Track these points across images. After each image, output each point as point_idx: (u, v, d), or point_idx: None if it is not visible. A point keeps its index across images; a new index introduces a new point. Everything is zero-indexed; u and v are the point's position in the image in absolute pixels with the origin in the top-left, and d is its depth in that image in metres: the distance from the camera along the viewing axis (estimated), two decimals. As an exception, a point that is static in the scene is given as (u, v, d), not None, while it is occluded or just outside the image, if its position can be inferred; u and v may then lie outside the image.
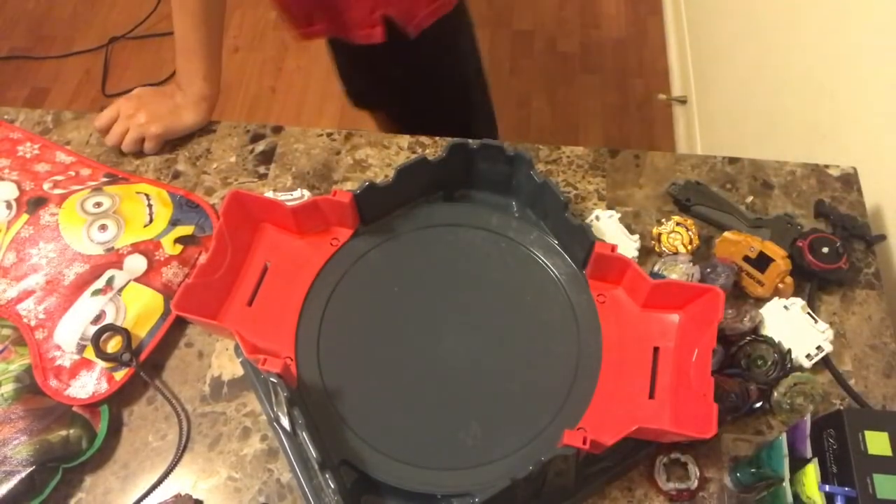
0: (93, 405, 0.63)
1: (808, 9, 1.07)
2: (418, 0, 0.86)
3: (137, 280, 0.68)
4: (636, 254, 0.70)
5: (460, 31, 0.96)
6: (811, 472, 0.50)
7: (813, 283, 0.69)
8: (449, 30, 0.92)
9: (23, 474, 0.58)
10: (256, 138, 0.83)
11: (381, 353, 0.60)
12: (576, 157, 0.80)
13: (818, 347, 0.64)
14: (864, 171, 0.78)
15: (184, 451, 0.63)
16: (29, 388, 0.62)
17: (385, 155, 0.82)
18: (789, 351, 0.64)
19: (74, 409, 0.62)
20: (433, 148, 0.82)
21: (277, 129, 0.84)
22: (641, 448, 0.59)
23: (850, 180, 0.78)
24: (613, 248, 0.58)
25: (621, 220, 0.72)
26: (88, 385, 0.63)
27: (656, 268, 0.68)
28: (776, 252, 0.66)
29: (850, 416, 0.52)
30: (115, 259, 0.68)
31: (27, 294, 0.66)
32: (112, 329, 0.64)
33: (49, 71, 1.98)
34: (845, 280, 0.70)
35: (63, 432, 0.61)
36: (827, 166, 0.79)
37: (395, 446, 0.55)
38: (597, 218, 0.72)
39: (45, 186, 0.74)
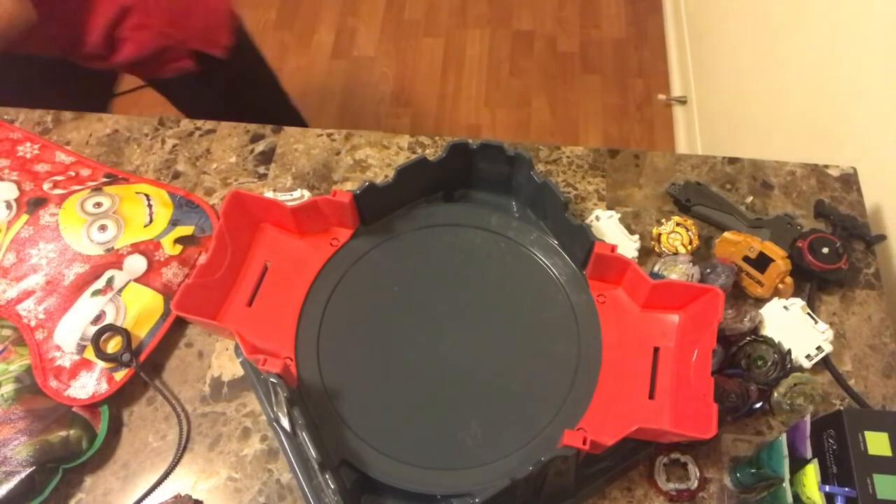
0: (93, 406, 0.63)
1: (808, 8, 1.07)
2: (215, 27, 0.98)
3: (137, 280, 0.68)
4: (636, 254, 0.70)
5: (252, 53, 1.13)
6: (811, 473, 0.50)
7: (813, 283, 0.69)
8: (248, 56, 1.10)
9: (23, 475, 0.58)
10: (256, 138, 0.83)
11: (381, 353, 0.60)
12: (576, 158, 0.80)
13: (818, 348, 0.64)
14: (864, 171, 0.78)
15: (184, 451, 0.63)
16: (29, 389, 0.62)
17: (385, 155, 0.82)
18: (789, 351, 0.64)
19: (74, 409, 0.62)
20: (433, 148, 0.82)
21: (277, 129, 0.84)
22: (641, 448, 0.59)
23: (849, 180, 0.78)
24: (613, 248, 0.58)
25: (621, 220, 0.72)
26: (88, 385, 0.63)
27: (656, 268, 0.68)
28: (776, 252, 0.66)
29: (849, 416, 0.52)
30: (114, 259, 0.68)
31: (27, 294, 0.66)
32: (112, 329, 0.64)
33: (49, 71, 1.97)
34: (845, 280, 0.70)
35: (63, 433, 0.61)
36: (827, 166, 0.79)
37: (395, 446, 0.55)
38: (597, 218, 0.72)
39: (45, 187, 0.74)
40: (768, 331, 0.65)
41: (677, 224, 0.71)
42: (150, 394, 0.66)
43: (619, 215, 0.72)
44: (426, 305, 0.62)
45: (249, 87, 1.14)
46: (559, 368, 0.58)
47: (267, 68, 1.17)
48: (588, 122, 1.83)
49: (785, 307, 0.66)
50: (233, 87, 1.09)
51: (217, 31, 1.00)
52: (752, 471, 0.57)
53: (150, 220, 0.72)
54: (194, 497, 0.61)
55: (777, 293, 0.68)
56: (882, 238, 0.74)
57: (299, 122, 1.33)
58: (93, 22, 0.89)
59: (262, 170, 0.81)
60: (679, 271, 0.67)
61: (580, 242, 0.61)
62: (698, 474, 0.60)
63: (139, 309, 0.66)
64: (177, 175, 0.80)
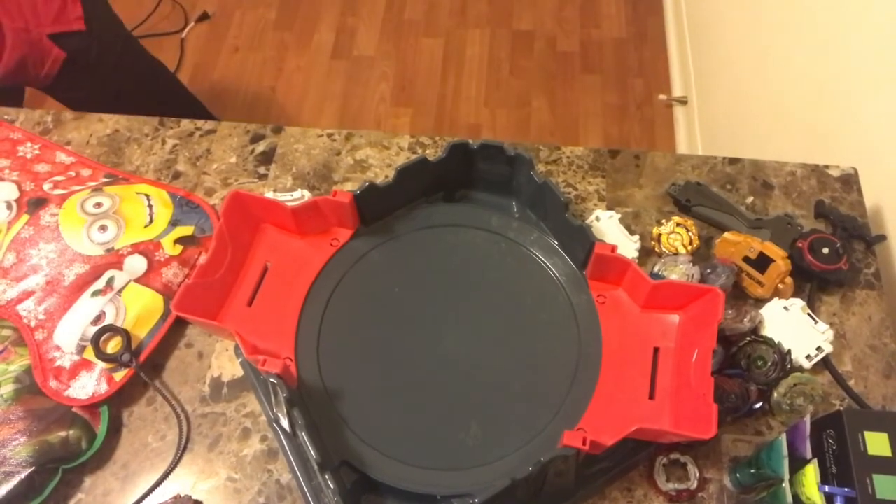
0: (92, 406, 0.63)
1: (808, 9, 1.07)
2: (62, 4, 1.02)
3: (137, 280, 0.68)
4: (636, 254, 0.70)
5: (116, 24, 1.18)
6: (811, 473, 0.50)
7: (813, 283, 0.69)
8: (115, 30, 1.15)
9: (22, 475, 0.58)
10: (256, 138, 0.83)
11: (381, 354, 0.60)
12: (576, 158, 0.80)
13: (818, 348, 0.64)
14: (864, 172, 0.78)
15: (183, 451, 0.63)
16: (29, 389, 0.62)
17: (385, 155, 0.82)
18: (789, 351, 0.64)
19: (74, 409, 0.62)
20: (433, 148, 0.82)
21: (277, 130, 0.84)
22: (641, 449, 0.59)
23: (850, 180, 0.78)
24: (613, 248, 0.58)
25: (621, 220, 0.72)
26: (88, 386, 0.63)
27: (656, 268, 0.68)
28: (776, 252, 0.66)
29: (849, 416, 0.52)
30: (115, 259, 0.68)
31: (27, 295, 0.66)
32: (112, 330, 0.64)
33: (49, 71, 1.97)
34: (845, 280, 0.70)
35: (63, 433, 0.61)
36: (827, 166, 0.79)
37: (395, 446, 0.55)
38: (597, 218, 0.72)
39: (46, 187, 0.74)
40: (768, 331, 0.65)
41: (677, 224, 0.71)
42: (149, 394, 0.66)
43: (619, 215, 0.72)
44: (426, 306, 0.62)
45: (131, 66, 1.20)
46: (559, 368, 0.58)
47: (138, 46, 1.23)
48: (588, 122, 1.83)
49: (785, 307, 0.66)
50: (112, 65, 1.14)
51: (64, 7, 1.03)
52: (752, 471, 0.57)
53: (151, 221, 0.72)
54: (194, 497, 0.61)
55: (777, 293, 0.68)
56: (882, 238, 0.74)
57: (205, 112, 1.43)
58: None
59: (262, 170, 0.81)
60: (679, 271, 0.67)
61: (580, 243, 0.61)
62: (698, 474, 0.60)
63: (139, 309, 0.66)
64: (177, 175, 0.80)
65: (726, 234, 0.70)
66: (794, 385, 0.62)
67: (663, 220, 0.72)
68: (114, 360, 0.63)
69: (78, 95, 1.14)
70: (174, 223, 0.73)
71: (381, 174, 0.80)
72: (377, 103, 1.89)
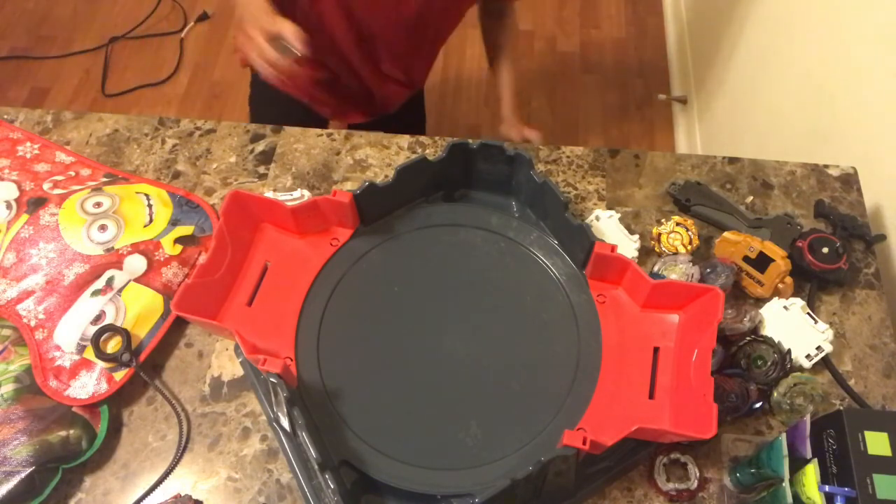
0: (93, 405, 0.63)
1: (808, 9, 1.07)
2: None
3: (137, 280, 0.67)
4: (636, 254, 0.70)
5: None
6: (811, 473, 0.50)
7: (813, 283, 0.69)
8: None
9: (23, 475, 0.58)
10: (256, 138, 0.83)
11: (381, 353, 0.60)
12: (576, 157, 0.80)
13: (818, 348, 0.64)
14: (864, 171, 0.78)
15: (184, 451, 0.63)
16: (29, 389, 0.62)
17: (385, 155, 0.82)
18: (789, 351, 0.64)
19: (74, 409, 0.62)
20: (433, 148, 0.82)
21: (277, 129, 0.84)
22: (641, 448, 0.59)
23: (849, 180, 0.78)
24: (613, 248, 0.58)
25: (621, 220, 0.72)
26: (88, 385, 0.63)
27: (656, 268, 0.68)
28: (776, 252, 0.66)
29: (849, 416, 0.52)
30: (114, 259, 0.68)
31: (27, 294, 0.66)
32: (112, 329, 0.64)
33: (49, 71, 1.97)
34: (845, 280, 0.70)
35: (63, 433, 0.61)
36: (827, 166, 0.79)
37: (395, 446, 0.55)
38: (597, 218, 0.72)
39: (45, 186, 0.74)
40: (768, 331, 0.65)
41: (677, 224, 0.71)
42: (149, 394, 0.66)
43: (619, 215, 0.72)
44: (426, 305, 0.62)
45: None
46: (559, 368, 0.58)
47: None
48: (588, 122, 1.83)
49: (785, 307, 0.66)
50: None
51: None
52: (752, 471, 0.57)
53: (150, 220, 0.72)
54: (194, 497, 0.61)
55: (777, 293, 0.68)
56: (882, 238, 0.74)
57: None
58: None
59: (262, 170, 0.81)
60: (679, 271, 0.67)
61: (580, 242, 0.61)
62: (698, 474, 0.60)
63: (139, 309, 0.66)
64: (177, 175, 0.80)
65: (726, 234, 0.70)
66: (794, 385, 0.62)
67: (663, 220, 0.72)
68: (114, 360, 0.63)
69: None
70: (174, 223, 0.73)
71: (381, 174, 0.80)
72: (377, 103, 1.89)
